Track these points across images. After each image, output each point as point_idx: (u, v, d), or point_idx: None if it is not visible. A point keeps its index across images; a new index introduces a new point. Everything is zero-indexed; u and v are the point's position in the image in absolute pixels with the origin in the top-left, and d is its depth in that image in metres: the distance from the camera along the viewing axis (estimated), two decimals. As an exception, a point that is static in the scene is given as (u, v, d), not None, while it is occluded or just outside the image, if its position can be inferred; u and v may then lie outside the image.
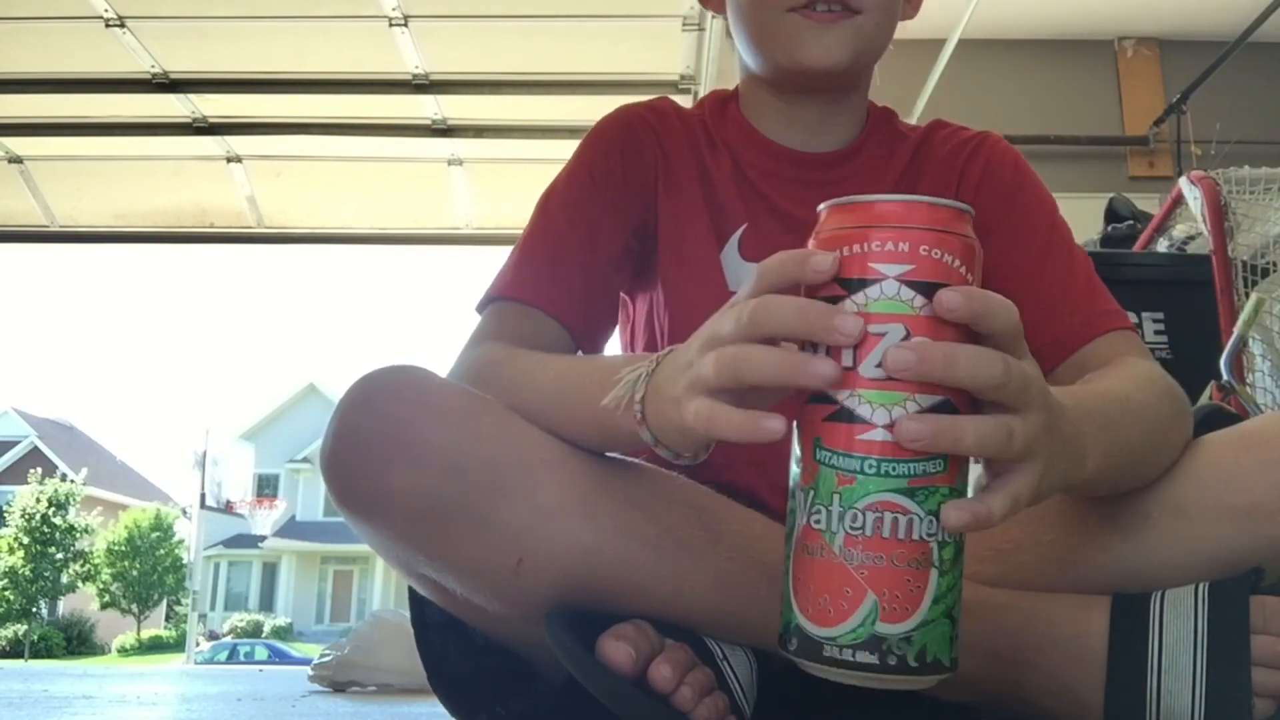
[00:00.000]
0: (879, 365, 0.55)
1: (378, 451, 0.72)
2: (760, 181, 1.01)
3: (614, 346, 1.03)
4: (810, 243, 0.60)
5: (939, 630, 0.56)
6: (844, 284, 0.57)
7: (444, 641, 0.86)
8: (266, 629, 23.99)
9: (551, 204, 0.99)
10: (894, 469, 0.55)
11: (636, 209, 0.99)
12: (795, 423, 0.59)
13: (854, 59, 0.95)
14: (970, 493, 0.58)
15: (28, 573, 21.50)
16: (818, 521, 0.57)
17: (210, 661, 18.54)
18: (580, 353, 0.94)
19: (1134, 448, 0.74)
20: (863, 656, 0.56)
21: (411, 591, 0.86)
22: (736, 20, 1.00)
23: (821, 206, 0.61)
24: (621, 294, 1.05)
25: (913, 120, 4.43)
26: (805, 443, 0.58)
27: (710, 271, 0.98)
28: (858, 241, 0.57)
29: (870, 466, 0.55)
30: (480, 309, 0.95)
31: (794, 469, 0.60)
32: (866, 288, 0.56)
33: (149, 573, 24.03)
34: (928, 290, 0.55)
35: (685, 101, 1.01)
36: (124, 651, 22.89)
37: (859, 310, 0.56)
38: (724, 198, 1.00)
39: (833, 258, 0.57)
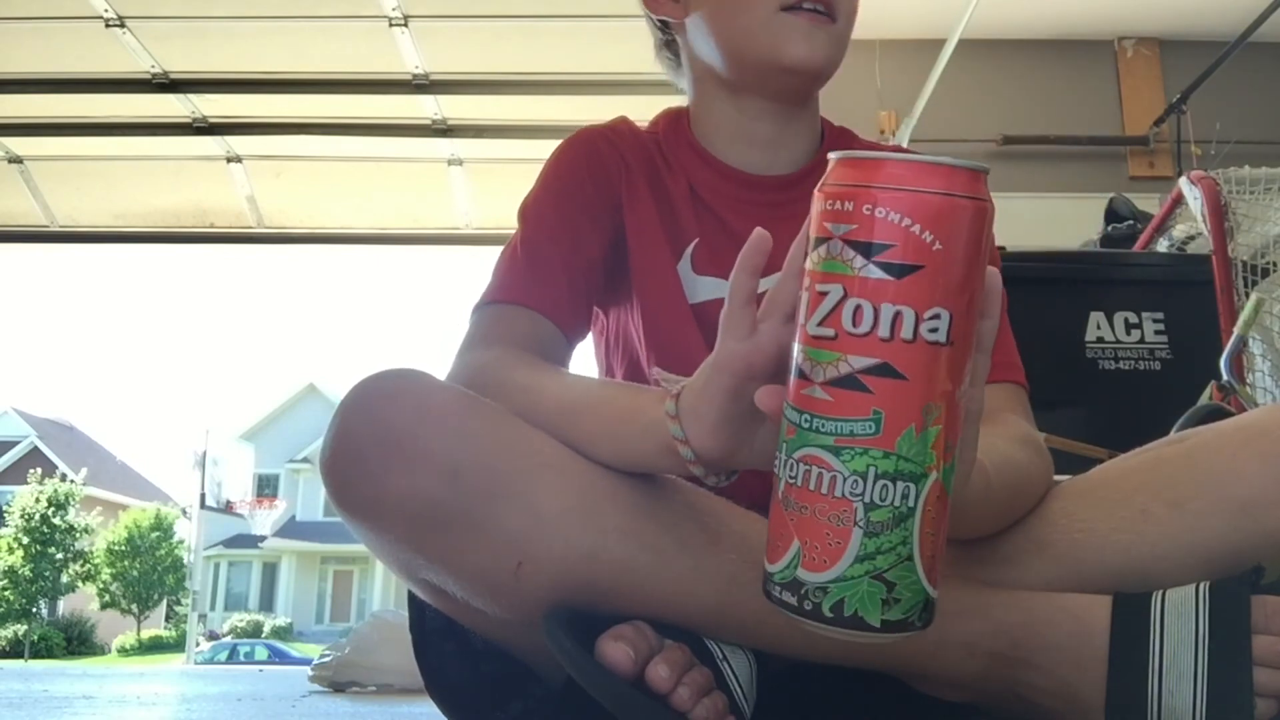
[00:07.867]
0: (820, 324, 0.56)
1: (375, 456, 0.72)
2: (713, 201, 1.02)
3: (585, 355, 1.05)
4: (817, 192, 0.60)
5: (861, 589, 0.57)
6: (814, 241, 0.58)
7: (443, 647, 0.86)
8: (266, 629, 23.97)
9: (529, 216, 1.00)
10: (823, 426, 0.56)
11: (606, 221, 1.00)
12: None
13: (832, 63, 0.98)
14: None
15: (28, 573, 21.48)
16: (777, 466, 0.60)
17: (210, 661, 18.53)
18: (566, 344, 0.95)
19: (1005, 497, 0.78)
20: (787, 596, 0.58)
21: (411, 597, 0.86)
22: (717, 22, 1.00)
23: (831, 155, 0.60)
24: (595, 306, 1.05)
25: (912, 121, 4.38)
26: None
27: (669, 283, 0.99)
28: (828, 199, 0.58)
29: (805, 421, 0.57)
30: (471, 318, 0.96)
31: None
32: (820, 246, 0.57)
33: (149, 573, 24.00)
34: (866, 250, 0.55)
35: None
36: (124, 651, 22.87)
37: (812, 269, 0.57)
38: (678, 214, 1.02)
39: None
